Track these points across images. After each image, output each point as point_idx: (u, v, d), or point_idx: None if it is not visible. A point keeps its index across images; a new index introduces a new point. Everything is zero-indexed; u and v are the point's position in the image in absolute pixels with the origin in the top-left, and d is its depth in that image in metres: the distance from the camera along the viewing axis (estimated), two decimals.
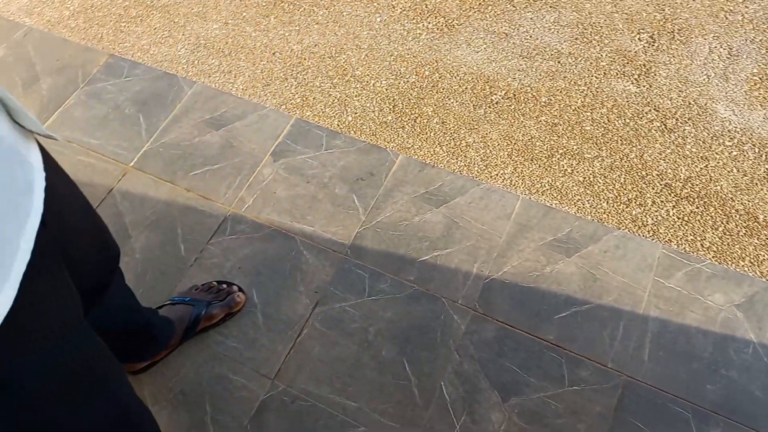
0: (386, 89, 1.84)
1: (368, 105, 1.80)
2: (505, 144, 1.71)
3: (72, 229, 0.75)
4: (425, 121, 1.76)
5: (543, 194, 1.61)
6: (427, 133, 1.74)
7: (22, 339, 0.55)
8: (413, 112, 1.78)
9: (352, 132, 1.73)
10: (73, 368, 0.63)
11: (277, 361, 1.34)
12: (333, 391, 1.30)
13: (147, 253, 1.49)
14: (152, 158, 1.65)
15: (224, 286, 1.40)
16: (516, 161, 1.67)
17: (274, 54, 1.93)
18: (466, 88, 1.83)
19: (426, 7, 2.04)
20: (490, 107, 1.79)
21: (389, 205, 1.55)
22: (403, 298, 1.41)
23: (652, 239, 1.52)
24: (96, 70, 1.85)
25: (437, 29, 1.98)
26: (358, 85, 1.85)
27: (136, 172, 1.62)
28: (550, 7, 2.01)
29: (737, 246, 1.52)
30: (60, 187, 0.69)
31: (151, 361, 1.31)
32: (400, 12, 2.03)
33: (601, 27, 1.95)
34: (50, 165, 0.67)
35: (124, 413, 0.73)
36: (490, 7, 2.02)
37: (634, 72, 1.84)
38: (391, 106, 1.79)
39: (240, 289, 1.41)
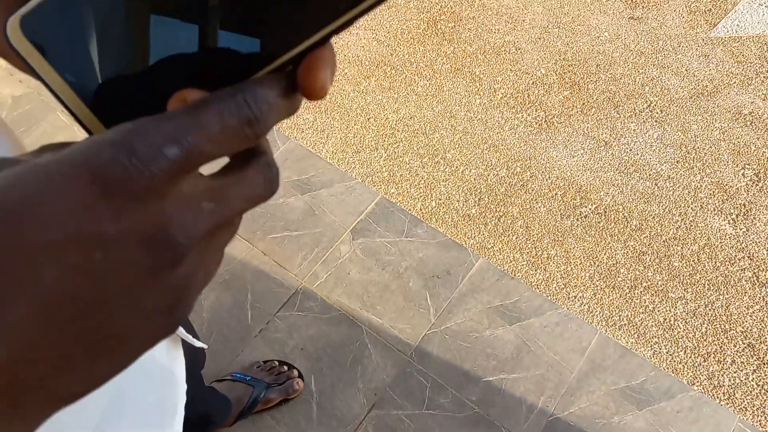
0: (474, 179, 1.80)
1: (454, 193, 1.76)
2: (588, 264, 1.65)
3: None
4: (509, 221, 1.72)
5: (620, 329, 1.55)
6: (509, 235, 1.69)
7: None
8: (498, 209, 1.74)
9: (434, 220, 1.69)
10: None
11: None
12: None
13: (215, 314, 1.48)
14: None
15: (285, 368, 1.38)
16: (597, 286, 1.62)
17: (368, 120, 1.91)
18: (556, 194, 1.78)
19: (528, 97, 1.99)
20: (578, 220, 1.74)
21: (461, 312, 1.51)
22: (462, 419, 1.37)
23: (728, 405, 1.45)
24: None
25: (536, 123, 1.93)
26: (447, 169, 1.81)
27: None
28: (656, 121, 1.95)
29: None
30: None
31: None
32: (501, 98, 1.99)
33: (704, 153, 1.88)
34: None
35: None
36: (593, 110, 1.97)
37: (732, 211, 1.77)
38: (476, 199, 1.76)
39: (300, 375, 1.39)
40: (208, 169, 0.20)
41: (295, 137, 1.81)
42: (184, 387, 0.54)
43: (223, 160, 0.22)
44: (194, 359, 0.89)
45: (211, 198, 0.20)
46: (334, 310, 1.50)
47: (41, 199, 0.17)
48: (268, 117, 0.21)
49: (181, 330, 0.54)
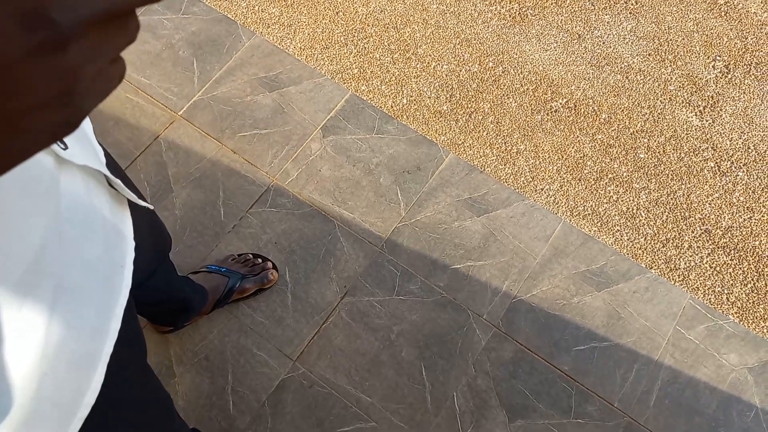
0: (446, 75, 1.78)
1: (425, 90, 1.75)
2: (556, 158, 1.68)
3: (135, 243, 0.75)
4: (480, 117, 1.72)
5: (584, 218, 1.60)
6: (480, 131, 1.70)
7: (109, 390, 0.55)
8: (470, 105, 1.74)
9: (405, 117, 1.69)
10: (139, 406, 0.66)
11: (300, 343, 1.38)
12: (350, 383, 1.36)
13: (187, 211, 1.50)
14: (202, 110, 1.62)
15: (259, 260, 1.42)
16: (564, 178, 1.65)
17: (337, 13, 1.85)
18: (527, 89, 1.77)
19: None
20: (548, 114, 1.74)
21: (431, 205, 1.55)
22: (431, 303, 1.44)
23: (681, 286, 1.53)
24: None
25: (510, 16, 1.89)
26: (418, 65, 1.79)
27: (184, 122, 1.60)
28: (630, 13, 1.91)
29: (762, 306, 1.54)
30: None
31: (181, 325, 1.35)
32: None
33: (677, 45, 1.87)
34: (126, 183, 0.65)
35: None
36: (568, 1, 1.92)
37: (700, 103, 1.78)
38: (448, 95, 1.74)
39: (274, 266, 1.43)
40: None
41: (260, 33, 1.76)
42: (132, 244, 0.56)
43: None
44: (161, 239, 0.91)
45: None
46: (306, 206, 1.53)
47: None
48: None
49: (122, 187, 0.55)
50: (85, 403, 0.48)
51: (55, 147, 0.42)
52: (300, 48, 1.77)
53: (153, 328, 1.35)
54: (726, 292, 1.55)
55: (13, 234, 0.38)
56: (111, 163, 0.59)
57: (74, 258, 0.45)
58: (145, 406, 0.66)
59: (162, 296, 1.15)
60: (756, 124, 1.76)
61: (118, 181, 0.53)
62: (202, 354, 1.36)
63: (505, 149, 1.68)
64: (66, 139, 0.45)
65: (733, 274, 1.57)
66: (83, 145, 0.50)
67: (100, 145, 0.59)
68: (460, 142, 1.68)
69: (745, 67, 1.85)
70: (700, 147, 1.73)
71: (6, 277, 0.37)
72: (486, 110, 1.74)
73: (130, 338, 0.59)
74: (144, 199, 0.61)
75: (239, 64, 1.69)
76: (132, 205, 0.66)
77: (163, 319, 1.30)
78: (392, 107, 1.71)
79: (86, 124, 0.55)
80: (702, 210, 1.65)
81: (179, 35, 1.72)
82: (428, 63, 1.79)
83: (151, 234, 0.84)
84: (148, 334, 1.37)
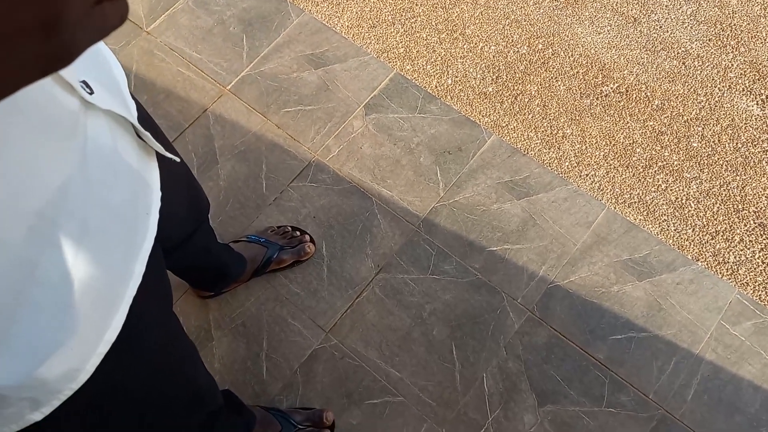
0: (493, 56, 1.75)
1: (471, 71, 1.73)
2: (604, 143, 1.64)
3: (168, 200, 0.77)
4: (526, 100, 1.69)
5: (630, 206, 1.56)
6: (525, 113, 1.67)
7: (131, 332, 0.57)
8: (516, 87, 1.71)
9: (449, 97, 1.68)
10: (162, 353, 0.68)
11: (333, 315, 1.41)
12: (380, 357, 1.37)
13: (231, 182, 1.54)
14: (249, 85, 1.65)
15: (297, 233, 1.45)
16: (610, 164, 1.61)
17: None
18: (577, 72, 1.73)
19: None
20: (597, 99, 1.69)
21: (470, 186, 1.54)
22: (465, 284, 1.43)
23: (729, 280, 1.47)
24: None
25: None
26: (465, 46, 1.77)
27: (232, 96, 1.64)
28: None
29: None
30: (165, 164, 0.70)
31: (220, 291, 1.40)
32: None
33: (741, 31, 1.77)
34: (160, 139, 0.67)
35: (197, 394, 0.80)
36: None
37: (763, 92, 1.69)
38: (494, 77, 1.72)
39: (311, 240, 1.46)
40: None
41: (309, 10, 1.78)
42: (158, 194, 0.59)
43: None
44: (197, 200, 0.95)
45: None
46: (346, 182, 1.54)
47: None
48: None
49: (150, 139, 0.57)
50: (106, 339, 0.51)
51: (81, 90, 0.45)
52: (347, 26, 1.78)
53: (194, 293, 1.41)
54: None
55: (34, 168, 0.40)
56: (145, 119, 0.62)
57: (98, 200, 0.47)
58: (166, 351, 0.69)
59: (202, 261, 1.19)
60: None
61: (146, 133, 0.55)
62: (240, 320, 1.41)
63: (551, 133, 1.65)
64: (93, 85, 0.47)
65: None
66: (111, 93, 0.52)
67: (135, 100, 0.61)
68: (503, 125, 1.65)
69: None
70: (759, 137, 1.64)
71: (28, 209, 0.40)
72: (533, 93, 1.70)
73: (155, 284, 0.62)
74: (176, 154, 0.63)
75: (287, 41, 1.72)
76: (167, 164, 0.69)
77: (203, 283, 1.35)
78: (436, 87, 1.70)
79: (119, 76, 0.58)
80: (757, 203, 1.57)
81: (230, 11, 1.76)
82: (476, 44, 1.77)
83: (187, 194, 0.87)
84: (189, 298, 1.42)
